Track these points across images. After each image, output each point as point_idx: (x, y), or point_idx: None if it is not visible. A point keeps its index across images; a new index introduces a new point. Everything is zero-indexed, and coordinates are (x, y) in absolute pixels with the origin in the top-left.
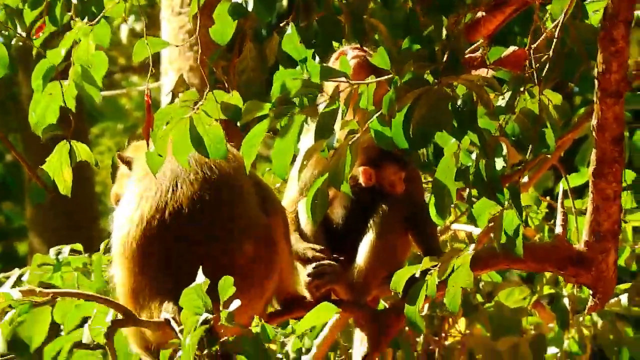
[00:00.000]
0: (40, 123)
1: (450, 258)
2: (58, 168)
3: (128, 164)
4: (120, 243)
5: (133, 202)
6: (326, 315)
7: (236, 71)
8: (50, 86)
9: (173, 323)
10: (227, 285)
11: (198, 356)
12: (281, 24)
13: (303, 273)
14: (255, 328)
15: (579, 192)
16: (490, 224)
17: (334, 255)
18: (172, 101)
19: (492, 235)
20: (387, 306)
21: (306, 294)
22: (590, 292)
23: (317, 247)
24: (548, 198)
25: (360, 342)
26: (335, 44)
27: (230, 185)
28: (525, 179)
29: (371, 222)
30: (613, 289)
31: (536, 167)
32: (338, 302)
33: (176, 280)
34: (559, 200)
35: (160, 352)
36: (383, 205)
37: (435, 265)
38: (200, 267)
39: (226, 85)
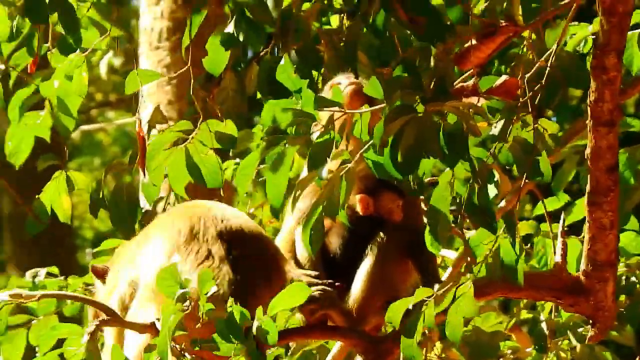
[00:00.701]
0: (15, 153)
1: (447, 288)
2: (56, 197)
3: (102, 276)
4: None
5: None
6: (297, 298)
7: (216, 101)
8: (27, 116)
9: (157, 324)
10: (206, 278)
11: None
12: (260, 54)
13: None
14: (229, 308)
15: (556, 216)
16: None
17: (330, 281)
18: (148, 133)
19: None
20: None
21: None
22: (590, 322)
23: (313, 272)
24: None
25: None
26: (314, 73)
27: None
28: (502, 204)
29: (368, 249)
30: (614, 319)
31: (513, 193)
32: (334, 329)
33: None
34: (560, 230)
35: (144, 355)
36: (381, 233)
37: (431, 296)
38: None
39: (211, 114)
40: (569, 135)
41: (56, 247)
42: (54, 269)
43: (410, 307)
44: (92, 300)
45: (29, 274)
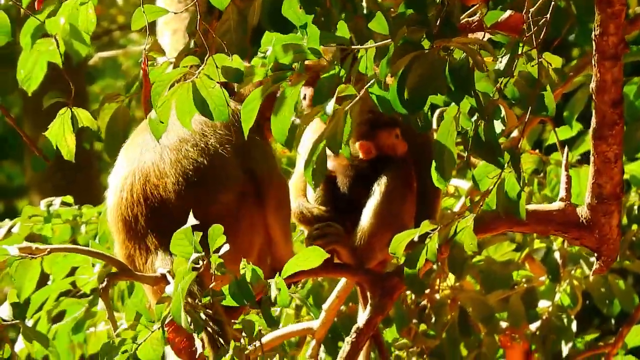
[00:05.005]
0: (28, 79)
1: (451, 221)
2: (61, 135)
3: None
4: (108, 216)
5: (115, 175)
6: (315, 260)
7: (217, 33)
8: (39, 43)
9: (169, 276)
10: (216, 233)
11: (189, 305)
12: None
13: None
14: (242, 270)
15: (568, 144)
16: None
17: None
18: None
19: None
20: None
21: None
22: (595, 254)
23: (323, 207)
24: (537, 150)
25: (363, 307)
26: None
27: (200, 151)
28: (514, 133)
29: (375, 185)
30: (617, 252)
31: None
32: (341, 266)
33: (160, 242)
34: (563, 163)
35: (155, 307)
36: (387, 170)
37: (435, 229)
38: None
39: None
40: (575, 69)
41: (80, 169)
42: (69, 198)
43: (416, 238)
44: (103, 254)
45: (43, 203)
